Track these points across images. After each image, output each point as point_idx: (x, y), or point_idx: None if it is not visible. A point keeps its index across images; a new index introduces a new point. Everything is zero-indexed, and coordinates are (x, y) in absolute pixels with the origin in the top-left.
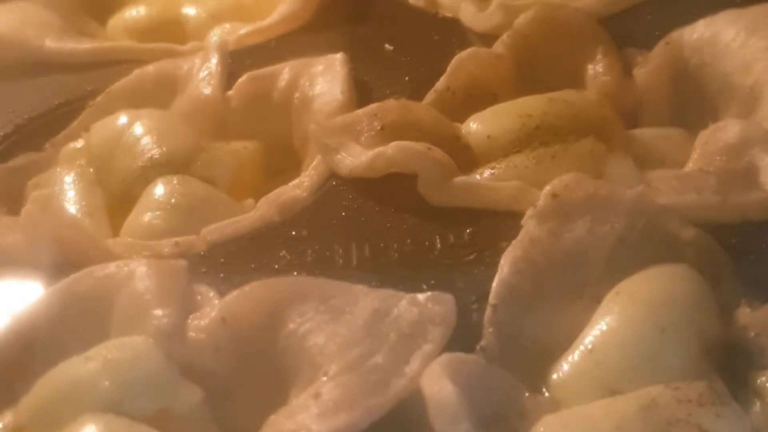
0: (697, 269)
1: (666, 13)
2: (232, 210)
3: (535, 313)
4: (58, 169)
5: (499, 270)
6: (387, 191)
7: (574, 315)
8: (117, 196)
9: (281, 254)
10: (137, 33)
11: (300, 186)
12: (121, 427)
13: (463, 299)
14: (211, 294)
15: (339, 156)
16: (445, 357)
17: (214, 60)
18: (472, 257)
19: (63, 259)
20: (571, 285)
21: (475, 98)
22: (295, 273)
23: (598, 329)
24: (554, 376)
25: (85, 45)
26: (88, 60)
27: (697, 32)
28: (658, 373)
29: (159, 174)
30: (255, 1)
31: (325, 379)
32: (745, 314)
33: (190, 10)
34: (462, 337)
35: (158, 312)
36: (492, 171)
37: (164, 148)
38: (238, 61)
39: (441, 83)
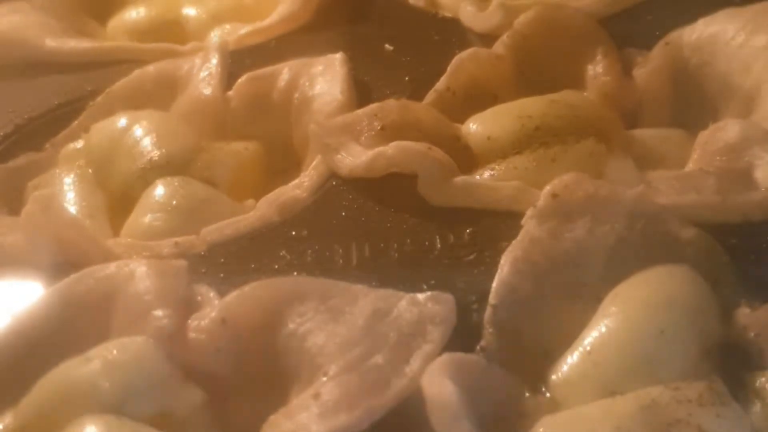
0: (697, 269)
1: (666, 13)
2: (232, 210)
3: (535, 314)
4: (58, 170)
5: (499, 270)
6: (387, 191)
7: (574, 315)
8: (117, 197)
9: (281, 254)
10: (137, 33)
11: (300, 186)
12: (121, 428)
13: (463, 299)
14: (211, 294)
15: (339, 156)
16: (446, 357)
17: (214, 60)
18: (472, 257)
19: (63, 259)
20: (571, 285)
21: (475, 98)
22: (295, 273)
23: (598, 330)
24: (554, 376)
25: (85, 45)
26: (88, 60)
27: (697, 32)
28: (658, 373)
29: (159, 176)
30: (255, 1)
31: (325, 379)
32: (745, 314)
33: (190, 11)
34: (462, 337)
35: (158, 312)
36: (492, 172)
37: (164, 150)
38: (238, 61)
39: (441, 83)
